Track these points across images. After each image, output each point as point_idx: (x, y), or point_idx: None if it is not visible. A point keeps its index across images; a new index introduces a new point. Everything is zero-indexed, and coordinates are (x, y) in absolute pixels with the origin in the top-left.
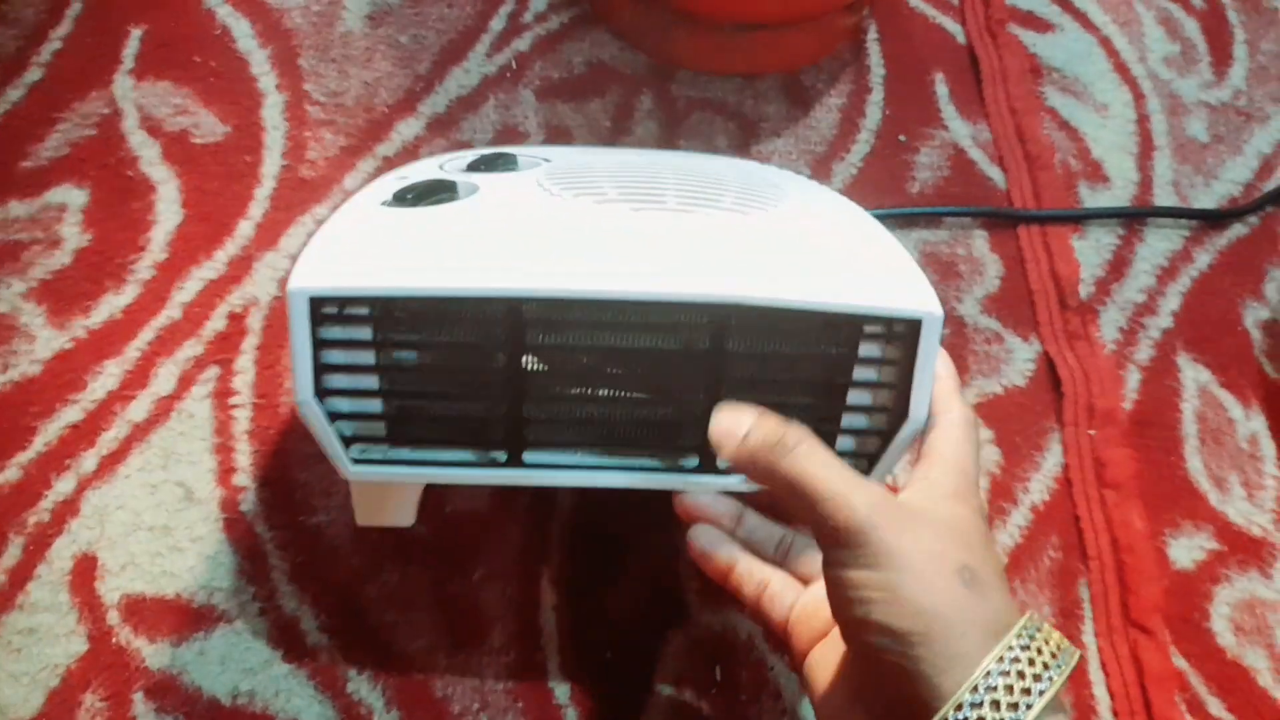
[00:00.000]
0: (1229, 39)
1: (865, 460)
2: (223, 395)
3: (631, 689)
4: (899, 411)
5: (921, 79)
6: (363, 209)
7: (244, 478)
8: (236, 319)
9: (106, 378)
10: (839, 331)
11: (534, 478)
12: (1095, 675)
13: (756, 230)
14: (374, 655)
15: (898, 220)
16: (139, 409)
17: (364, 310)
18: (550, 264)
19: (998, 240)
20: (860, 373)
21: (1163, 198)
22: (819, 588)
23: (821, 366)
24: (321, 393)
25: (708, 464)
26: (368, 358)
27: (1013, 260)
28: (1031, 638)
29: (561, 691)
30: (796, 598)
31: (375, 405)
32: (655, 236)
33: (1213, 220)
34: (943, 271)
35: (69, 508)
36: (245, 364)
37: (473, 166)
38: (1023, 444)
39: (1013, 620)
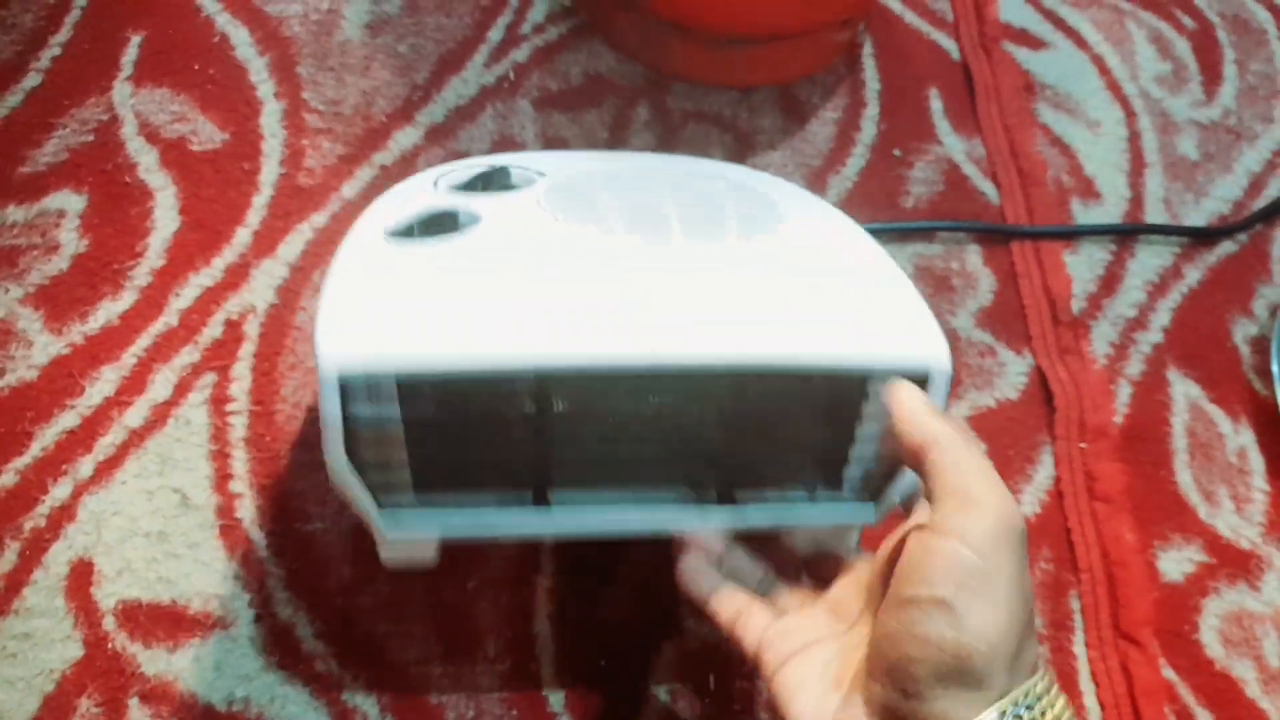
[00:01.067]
0: (1219, 59)
1: (869, 495)
2: (219, 402)
3: (626, 697)
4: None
5: (916, 94)
6: (369, 247)
7: (240, 484)
8: (234, 326)
9: (104, 384)
10: (852, 379)
11: (561, 523)
12: (1086, 686)
13: (764, 266)
14: (368, 663)
15: (892, 234)
16: (136, 415)
17: (392, 383)
18: (574, 330)
19: (991, 255)
20: (869, 409)
21: (1154, 214)
22: (795, 618)
23: (833, 407)
24: (352, 456)
25: (725, 500)
26: (396, 423)
27: (1005, 275)
28: (1047, 691)
29: (556, 699)
30: (771, 622)
31: (402, 457)
32: (671, 286)
33: (1203, 237)
34: (936, 285)
35: (65, 513)
36: (242, 371)
37: (469, 185)
38: (1015, 457)
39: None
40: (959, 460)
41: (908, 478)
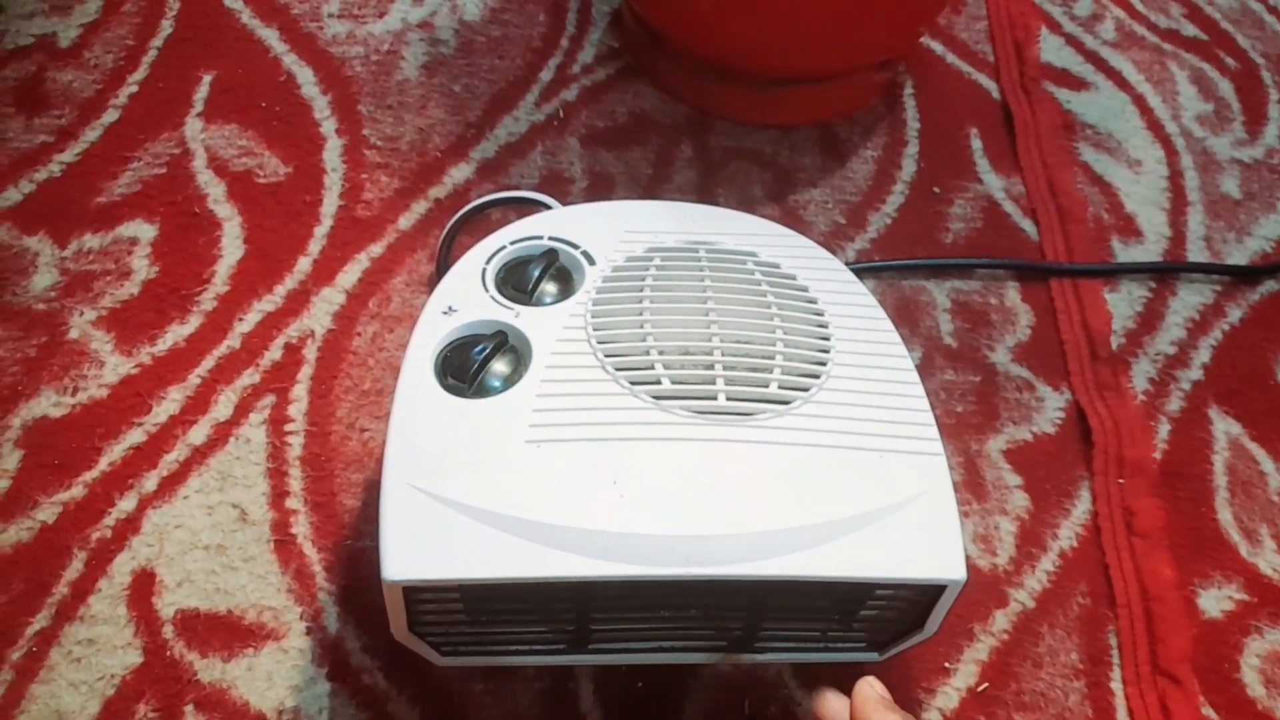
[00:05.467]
0: (1263, 99)
1: (876, 649)
2: (278, 422)
3: (662, 719)
4: (915, 623)
5: (956, 133)
6: (425, 398)
7: (295, 501)
8: (293, 350)
9: (169, 403)
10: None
11: (598, 658)
12: None
13: (796, 456)
14: (413, 677)
15: (931, 270)
16: (199, 433)
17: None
18: (614, 547)
19: (1029, 291)
20: (881, 593)
21: (1195, 253)
22: None
23: (850, 590)
24: (414, 626)
25: (747, 642)
26: (456, 603)
27: (1044, 311)
28: None
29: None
30: None
31: (460, 621)
32: (704, 484)
33: (1245, 276)
34: (974, 320)
35: (130, 525)
36: (300, 393)
37: (513, 271)
38: (1052, 491)
39: None
40: None
41: (913, 641)
